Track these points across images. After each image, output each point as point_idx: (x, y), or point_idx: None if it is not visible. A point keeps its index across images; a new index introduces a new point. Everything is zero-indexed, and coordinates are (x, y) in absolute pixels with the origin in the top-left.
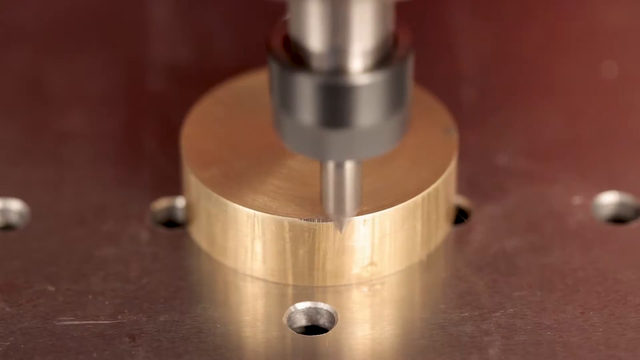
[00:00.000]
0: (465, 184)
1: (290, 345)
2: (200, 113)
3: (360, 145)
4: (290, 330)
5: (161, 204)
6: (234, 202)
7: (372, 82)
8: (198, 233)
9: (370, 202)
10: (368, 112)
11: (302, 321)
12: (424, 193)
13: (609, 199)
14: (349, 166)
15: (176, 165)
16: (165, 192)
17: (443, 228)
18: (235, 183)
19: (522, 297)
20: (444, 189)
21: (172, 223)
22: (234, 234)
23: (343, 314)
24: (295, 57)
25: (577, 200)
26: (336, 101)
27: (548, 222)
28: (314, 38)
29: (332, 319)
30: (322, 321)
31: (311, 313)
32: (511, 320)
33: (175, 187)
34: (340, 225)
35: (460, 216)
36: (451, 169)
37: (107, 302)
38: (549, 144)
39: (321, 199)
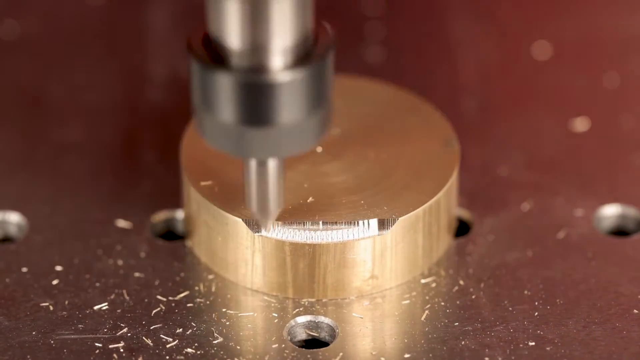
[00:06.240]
0: (466, 196)
1: (291, 359)
2: None
3: (282, 143)
4: (291, 343)
5: (160, 216)
6: (234, 215)
7: (292, 79)
8: (198, 246)
9: (371, 215)
10: (289, 109)
11: (302, 335)
12: (425, 206)
13: (611, 211)
14: (272, 164)
15: (176, 178)
16: (164, 205)
17: (444, 241)
18: (235, 196)
19: (523, 310)
20: (446, 201)
21: (172, 235)
22: (234, 247)
23: (344, 327)
24: (215, 55)
25: (579, 212)
26: (257, 99)
27: (550, 235)
28: (233, 36)
29: (333, 332)
30: (323, 335)
31: (312, 326)
32: (513, 333)
33: (174, 199)
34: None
35: None
36: (452, 181)
37: (106, 316)
38: (551, 156)
39: (245, 197)
